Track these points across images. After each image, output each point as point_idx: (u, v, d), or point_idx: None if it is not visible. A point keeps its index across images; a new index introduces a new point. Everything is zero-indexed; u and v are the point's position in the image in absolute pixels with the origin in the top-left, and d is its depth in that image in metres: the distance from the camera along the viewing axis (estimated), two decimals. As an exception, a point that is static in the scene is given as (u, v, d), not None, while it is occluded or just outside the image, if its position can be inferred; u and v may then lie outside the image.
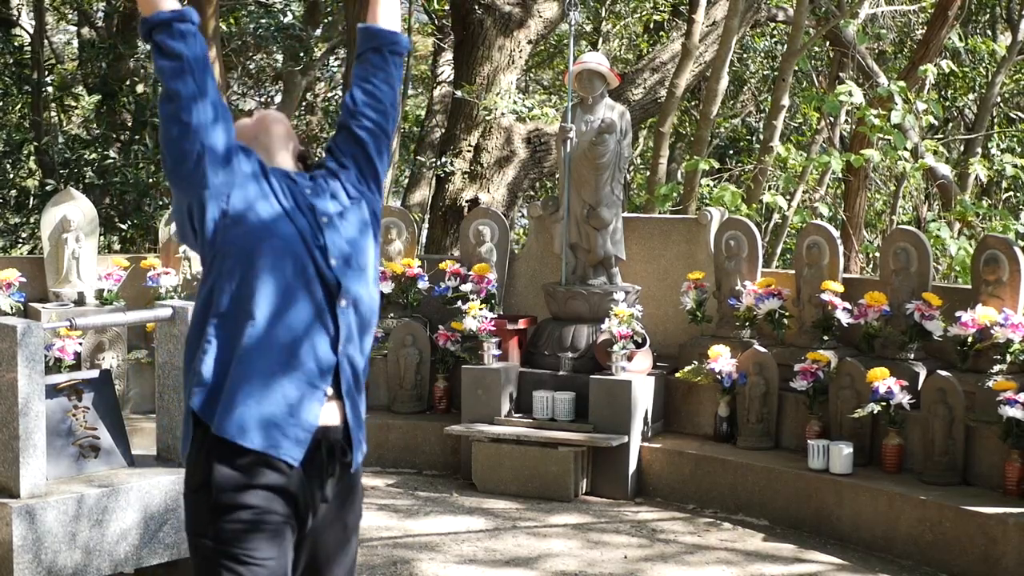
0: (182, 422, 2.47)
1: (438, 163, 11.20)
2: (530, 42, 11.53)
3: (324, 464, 2.42)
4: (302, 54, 13.02)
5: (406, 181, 14.01)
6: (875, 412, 5.97)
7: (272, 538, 2.34)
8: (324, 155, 2.72)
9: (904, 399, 5.93)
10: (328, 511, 2.48)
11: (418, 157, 12.65)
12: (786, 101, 10.18)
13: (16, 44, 12.82)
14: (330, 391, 2.43)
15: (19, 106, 12.90)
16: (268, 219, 2.45)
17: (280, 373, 2.37)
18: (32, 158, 13.51)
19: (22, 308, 7.34)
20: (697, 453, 6.61)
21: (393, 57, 2.73)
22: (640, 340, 6.84)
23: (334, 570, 2.54)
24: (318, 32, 14.63)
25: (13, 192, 12.77)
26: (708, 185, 10.92)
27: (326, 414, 2.43)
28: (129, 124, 13.31)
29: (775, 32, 14.44)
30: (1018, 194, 13.08)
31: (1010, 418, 5.44)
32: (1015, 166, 9.52)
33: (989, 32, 14.82)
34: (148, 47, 2.54)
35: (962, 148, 13.45)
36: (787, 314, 6.76)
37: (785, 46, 11.78)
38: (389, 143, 2.73)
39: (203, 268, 2.52)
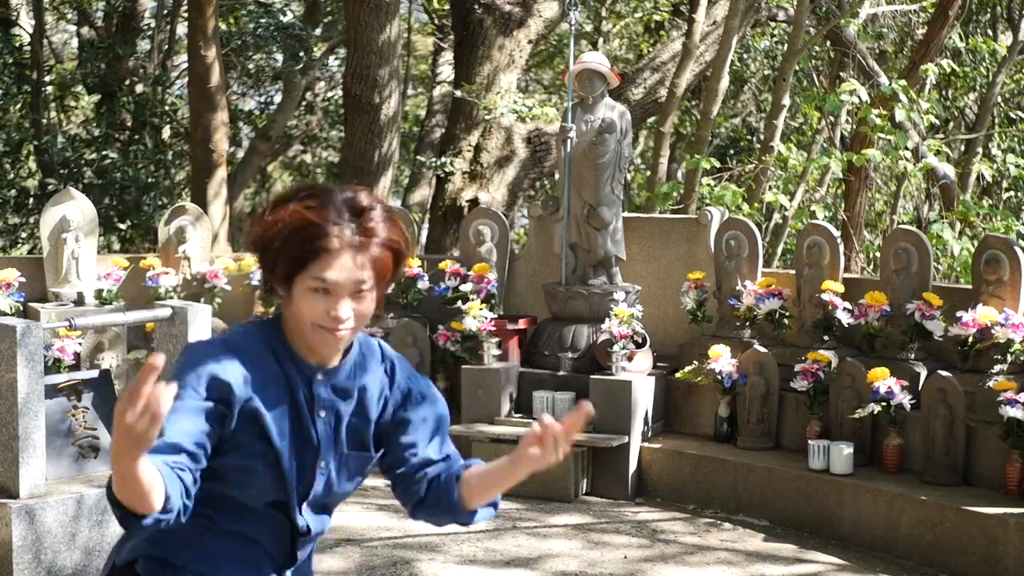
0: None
1: (438, 163, 11.20)
2: (530, 42, 11.52)
3: None
4: (302, 54, 13.02)
5: (406, 181, 14.02)
6: (875, 412, 5.97)
7: None
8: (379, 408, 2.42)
9: (904, 399, 5.93)
10: None
11: (418, 157, 12.65)
12: (787, 101, 10.18)
13: (16, 44, 12.82)
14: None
15: (19, 106, 12.90)
16: (264, 455, 2.25)
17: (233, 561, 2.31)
18: (32, 158, 13.52)
19: (22, 308, 7.33)
20: (697, 453, 6.60)
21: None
22: (640, 340, 6.83)
23: None
24: (318, 32, 14.63)
25: (13, 192, 12.77)
26: (709, 185, 10.91)
27: None
28: (129, 124, 13.30)
29: (775, 32, 14.43)
30: (1019, 194, 13.06)
31: (1011, 418, 5.43)
32: (1018, 166, 9.50)
33: (990, 32, 14.81)
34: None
35: (963, 148, 13.43)
36: (787, 314, 6.76)
37: (785, 46, 11.77)
38: None
39: None
